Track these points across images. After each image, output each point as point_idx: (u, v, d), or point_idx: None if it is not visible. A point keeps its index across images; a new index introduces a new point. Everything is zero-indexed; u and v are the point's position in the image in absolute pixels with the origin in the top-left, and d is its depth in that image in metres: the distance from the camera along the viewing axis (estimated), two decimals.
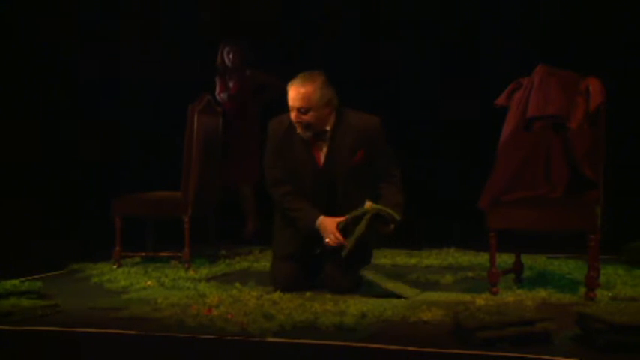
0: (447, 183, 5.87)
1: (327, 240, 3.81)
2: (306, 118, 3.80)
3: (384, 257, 4.93)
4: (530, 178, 3.87)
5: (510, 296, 3.69)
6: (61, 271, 4.70)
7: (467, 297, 3.68)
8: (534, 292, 3.78)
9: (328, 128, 3.84)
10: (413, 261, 4.86)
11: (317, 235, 3.85)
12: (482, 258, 4.72)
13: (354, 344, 2.95)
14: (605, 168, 3.82)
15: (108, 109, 6.16)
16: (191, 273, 4.47)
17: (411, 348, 2.89)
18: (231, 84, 5.75)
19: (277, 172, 3.93)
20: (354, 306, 3.44)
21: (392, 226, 3.82)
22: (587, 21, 5.55)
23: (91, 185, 6.07)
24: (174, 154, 4.95)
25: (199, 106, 4.72)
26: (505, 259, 4.44)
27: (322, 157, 3.88)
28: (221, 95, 5.74)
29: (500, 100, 3.99)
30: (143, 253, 4.86)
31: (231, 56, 5.71)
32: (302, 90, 3.78)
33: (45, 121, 6.04)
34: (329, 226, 3.81)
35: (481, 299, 3.56)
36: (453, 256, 4.96)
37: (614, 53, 5.46)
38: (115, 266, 4.69)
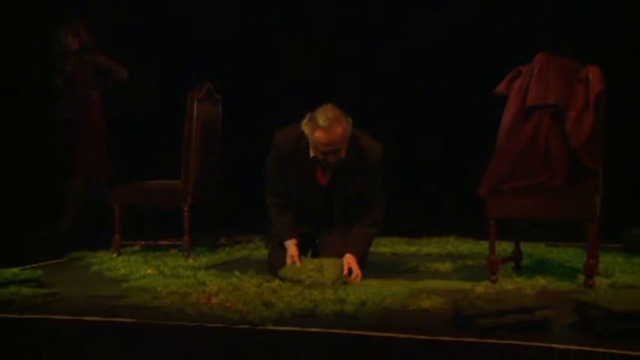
0: (447, 171, 5.87)
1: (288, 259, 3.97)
2: (341, 154, 3.85)
3: (383, 246, 4.94)
4: (529, 166, 3.87)
5: (510, 284, 3.70)
6: (61, 260, 4.71)
7: (466, 285, 3.69)
8: (533, 280, 3.79)
9: (343, 155, 3.88)
10: (412, 249, 4.87)
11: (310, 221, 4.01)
12: (482, 246, 4.73)
13: (354, 332, 2.96)
14: (604, 156, 3.82)
15: (107, 95, 6.15)
16: (191, 261, 4.48)
17: (410, 336, 2.89)
18: (69, 68, 5.26)
19: (274, 183, 4.04)
20: (354, 294, 3.45)
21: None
22: (587, 8, 5.53)
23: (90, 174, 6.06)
24: (173, 143, 4.95)
25: (199, 94, 4.71)
26: (504, 248, 4.45)
27: (327, 178, 3.96)
28: (58, 79, 5.29)
29: (500, 89, 3.99)
30: (143, 242, 4.87)
31: (69, 38, 5.23)
32: (335, 135, 3.76)
33: (41, 107, 6.02)
34: (293, 251, 3.97)
35: (481, 287, 3.55)
36: (453, 245, 4.98)
37: (615, 40, 5.45)
38: (114, 255, 4.70)
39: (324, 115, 3.78)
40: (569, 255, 4.51)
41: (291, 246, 3.99)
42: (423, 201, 5.79)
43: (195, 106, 4.66)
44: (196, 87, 4.75)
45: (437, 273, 4.14)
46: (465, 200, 4.67)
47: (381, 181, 4.00)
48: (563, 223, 4.09)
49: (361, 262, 3.97)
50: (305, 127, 3.82)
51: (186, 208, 4.64)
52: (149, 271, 4.21)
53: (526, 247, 4.38)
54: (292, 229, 4.01)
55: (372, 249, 4.77)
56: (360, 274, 3.89)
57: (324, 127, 3.77)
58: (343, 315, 3.18)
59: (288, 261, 3.95)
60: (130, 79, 5.39)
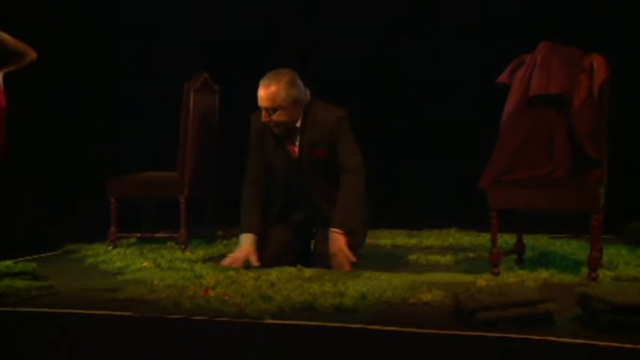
0: (448, 161, 5.85)
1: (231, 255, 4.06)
2: (274, 117, 3.98)
3: (383, 238, 4.94)
4: (532, 157, 3.87)
5: (512, 277, 3.69)
6: (56, 252, 4.70)
7: (468, 278, 3.68)
8: (536, 272, 3.78)
9: (298, 125, 4.02)
10: (413, 241, 4.86)
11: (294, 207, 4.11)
12: (484, 239, 4.72)
13: (354, 326, 2.95)
14: (608, 147, 3.81)
15: (104, 86, 6.13)
16: (187, 254, 4.47)
17: (411, 329, 2.89)
18: None
19: (253, 166, 4.17)
20: (354, 287, 3.44)
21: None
22: None
23: (87, 165, 6.05)
24: (170, 134, 4.93)
25: (195, 84, 4.69)
26: (507, 240, 4.44)
27: (296, 150, 4.07)
28: None
29: (502, 78, 3.98)
30: (139, 234, 4.86)
31: None
32: (268, 91, 3.96)
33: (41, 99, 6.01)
34: (247, 245, 4.04)
35: (482, 280, 3.57)
36: (454, 237, 4.97)
37: (619, 29, 5.43)
38: (110, 247, 4.69)
39: (271, 72, 3.99)
40: (573, 247, 4.50)
41: (247, 238, 4.05)
42: (423, 192, 5.77)
43: (191, 96, 4.64)
44: (193, 77, 4.73)
45: (438, 266, 4.13)
46: (466, 191, 4.66)
47: (351, 148, 4.02)
48: (566, 215, 4.08)
49: (354, 235, 3.99)
50: None
51: (182, 201, 4.63)
52: (145, 263, 4.20)
53: (528, 240, 4.37)
54: (257, 223, 4.08)
55: (371, 241, 4.78)
56: (346, 262, 3.89)
57: (261, 82, 3.96)
58: (342, 308, 3.17)
59: (240, 255, 4.01)
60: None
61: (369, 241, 4.88)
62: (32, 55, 4.65)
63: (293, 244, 4.16)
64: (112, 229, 4.72)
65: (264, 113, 4.00)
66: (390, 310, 3.19)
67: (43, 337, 3.13)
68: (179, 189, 4.64)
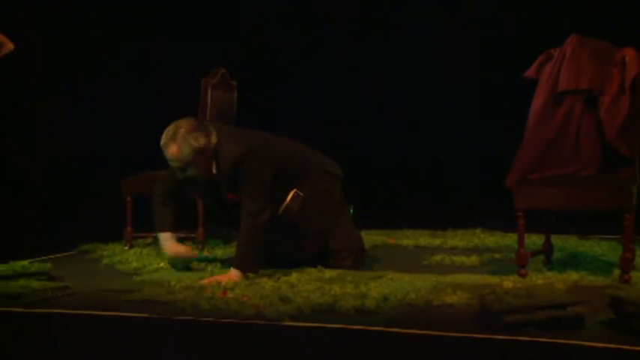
0: (473, 160, 5.84)
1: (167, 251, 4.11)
2: (189, 172, 3.92)
3: (406, 238, 4.93)
4: (560, 155, 3.85)
5: (540, 279, 3.67)
6: (71, 252, 4.74)
7: (494, 280, 3.67)
8: (565, 274, 3.76)
9: (215, 172, 3.94)
10: (437, 242, 4.85)
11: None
12: (510, 239, 4.71)
13: (376, 328, 2.95)
14: None
15: (121, 82, 6.17)
16: (205, 254, 4.49)
17: (434, 332, 2.88)
18: None
19: (166, 186, 4.13)
20: (376, 289, 3.44)
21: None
22: None
23: (101, 163, 6.10)
24: None
25: (213, 80, 4.71)
26: (534, 241, 4.43)
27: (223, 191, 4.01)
28: None
29: (530, 73, 3.95)
30: (155, 234, 4.88)
31: None
32: (170, 152, 3.87)
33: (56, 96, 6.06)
34: (170, 244, 4.11)
35: (509, 282, 3.55)
36: (479, 237, 4.95)
37: None
38: (126, 247, 4.72)
39: (167, 130, 3.90)
40: (603, 248, 4.47)
41: (165, 237, 4.09)
42: (447, 191, 5.76)
43: (209, 92, 4.66)
44: (210, 72, 4.75)
45: (462, 267, 4.12)
46: (491, 191, 4.64)
47: (251, 190, 3.86)
48: (596, 215, 4.05)
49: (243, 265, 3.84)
50: None
51: (199, 199, 4.64)
52: (162, 264, 4.22)
53: (557, 240, 4.35)
54: (171, 221, 4.09)
55: (394, 241, 4.77)
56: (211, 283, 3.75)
57: (162, 142, 3.88)
58: (364, 310, 3.17)
59: (171, 250, 4.07)
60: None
61: (391, 241, 4.89)
62: (9, 46, 4.63)
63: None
64: (128, 228, 4.75)
65: (178, 171, 3.93)
66: (413, 312, 3.19)
67: (58, 338, 3.15)
68: None
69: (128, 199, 4.75)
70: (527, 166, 3.82)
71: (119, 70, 6.15)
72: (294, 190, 4.02)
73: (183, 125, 3.89)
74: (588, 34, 3.91)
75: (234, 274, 3.80)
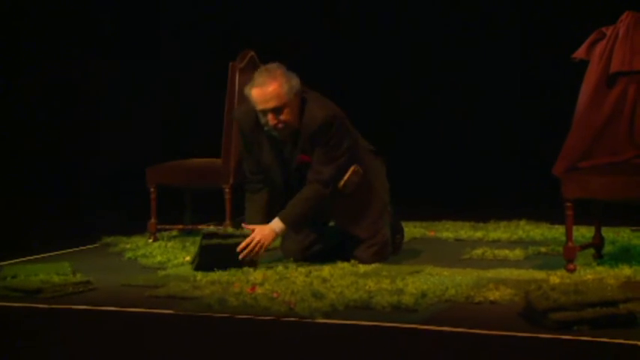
0: (518, 146, 5.79)
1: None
2: (283, 117, 3.90)
3: (446, 230, 4.91)
4: (612, 142, 3.82)
5: (589, 274, 3.64)
6: (93, 245, 4.78)
7: (540, 275, 3.64)
8: (617, 269, 3.72)
9: (289, 119, 3.92)
10: (478, 234, 4.82)
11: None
12: (557, 231, 4.67)
13: (413, 326, 2.95)
14: None
15: (144, 67, 6.21)
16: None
17: (476, 331, 2.87)
18: None
19: (249, 163, 4.14)
20: (413, 284, 3.43)
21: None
22: None
23: (123, 153, 6.15)
24: (214, 117, 4.96)
25: (241, 63, 4.71)
26: (583, 233, 4.39)
27: (288, 153, 4.01)
28: None
29: (580, 53, 3.91)
30: (181, 226, 4.91)
31: None
32: (268, 90, 3.87)
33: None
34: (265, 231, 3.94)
35: (556, 277, 3.53)
36: (524, 230, 4.91)
37: None
38: (150, 240, 4.75)
39: (260, 72, 3.94)
40: None
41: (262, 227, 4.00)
42: (490, 180, 5.72)
43: (237, 76, 4.66)
44: (238, 55, 4.75)
45: (506, 261, 4.10)
46: (538, 179, 4.60)
47: (327, 158, 3.91)
48: None
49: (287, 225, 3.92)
50: (246, 90, 3.95)
51: (227, 189, 4.65)
52: (187, 258, 4.24)
53: (608, 233, 4.30)
54: (257, 211, 4.08)
55: (433, 234, 4.75)
56: (251, 248, 3.85)
57: (254, 85, 3.89)
58: (401, 307, 3.17)
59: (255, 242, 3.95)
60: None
61: (430, 234, 4.87)
62: None
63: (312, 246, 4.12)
64: (152, 220, 4.77)
65: (271, 116, 3.88)
66: (453, 309, 3.17)
67: (79, 335, 3.18)
68: (223, 177, 4.66)
69: (152, 189, 4.77)
70: (577, 154, 3.79)
71: (143, 50, 6.19)
72: (355, 164, 4.02)
73: (277, 67, 3.94)
74: None
75: (275, 225, 3.89)
